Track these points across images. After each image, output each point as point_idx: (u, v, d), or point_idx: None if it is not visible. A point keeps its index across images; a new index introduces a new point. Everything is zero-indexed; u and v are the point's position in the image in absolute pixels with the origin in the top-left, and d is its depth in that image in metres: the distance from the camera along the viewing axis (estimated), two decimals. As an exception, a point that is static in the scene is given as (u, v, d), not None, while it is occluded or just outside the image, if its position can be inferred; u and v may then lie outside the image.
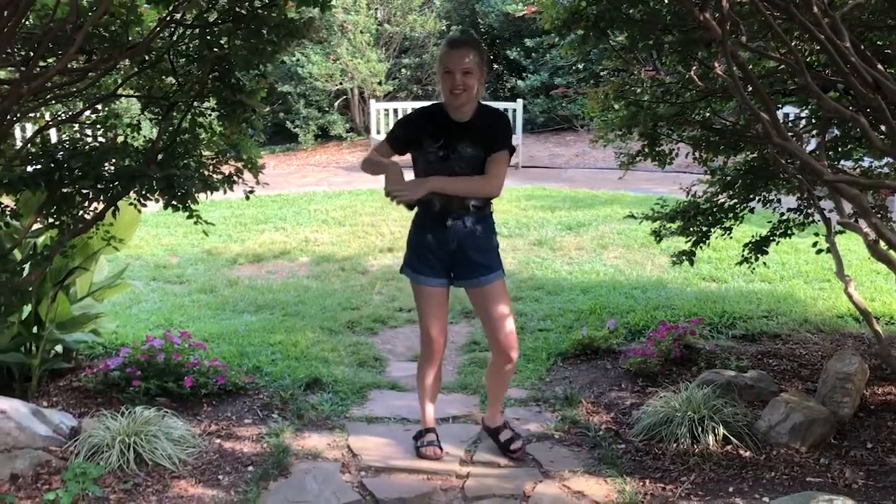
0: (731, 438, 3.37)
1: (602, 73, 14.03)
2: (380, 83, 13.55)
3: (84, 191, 3.24)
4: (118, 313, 5.52)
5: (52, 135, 5.46)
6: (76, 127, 4.26)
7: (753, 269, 4.64)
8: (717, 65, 3.67)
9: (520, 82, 13.98)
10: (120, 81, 3.82)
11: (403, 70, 14.35)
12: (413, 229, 3.41)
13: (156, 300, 5.89)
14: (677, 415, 3.44)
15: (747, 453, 3.33)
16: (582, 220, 8.06)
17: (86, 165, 2.95)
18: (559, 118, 13.84)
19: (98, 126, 3.95)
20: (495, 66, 15.24)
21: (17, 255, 4.10)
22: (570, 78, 13.77)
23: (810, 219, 4.50)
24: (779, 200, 4.54)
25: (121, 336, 4.95)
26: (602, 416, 3.80)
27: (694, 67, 3.87)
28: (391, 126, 3.12)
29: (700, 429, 3.37)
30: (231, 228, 8.05)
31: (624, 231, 7.55)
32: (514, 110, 11.53)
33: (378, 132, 11.95)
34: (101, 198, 3.22)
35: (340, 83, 13.49)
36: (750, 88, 3.21)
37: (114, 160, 3.52)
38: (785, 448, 3.34)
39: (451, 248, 3.28)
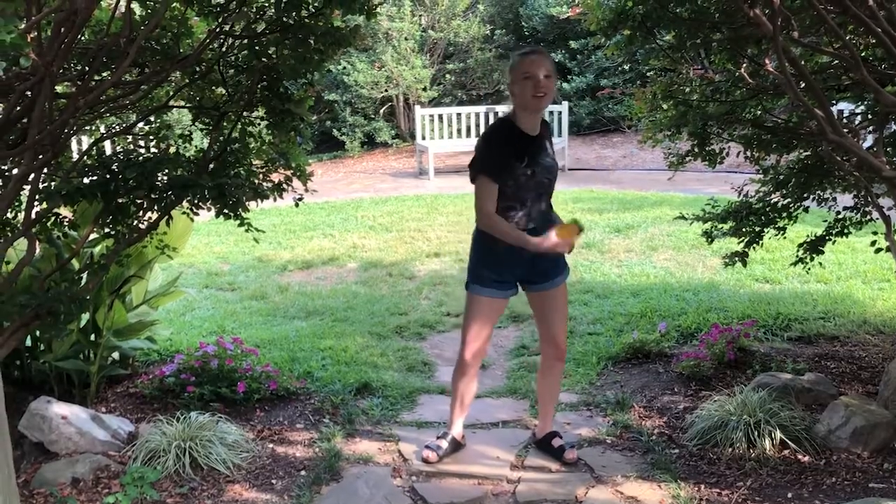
0: (789, 443, 3.29)
1: (648, 74, 13.87)
2: (424, 89, 13.61)
3: (138, 200, 3.31)
4: (172, 320, 5.62)
5: (107, 147, 5.60)
6: (130, 139, 4.36)
7: (808, 269, 4.53)
8: (767, 62, 3.60)
9: (565, 84, 13.89)
10: (171, 93, 3.91)
11: (448, 76, 14.39)
12: (483, 245, 3.33)
13: (209, 307, 5.99)
14: (732, 419, 3.37)
15: (806, 458, 3.25)
16: (630, 222, 7.97)
17: (140, 176, 3.02)
18: (605, 120, 13.73)
19: (151, 137, 4.05)
20: (540, 69, 15.17)
21: (75, 264, 4.22)
22: (616, 79, 13.64)
23: (868, 217, 4.39)
24: (834, 199, 4.43)
25: (175, 343, 5.05)
26: (655, 421, 3.75)
27: (744, 65, 3.80)
28: (488, 158, 3.07)
29: (756, 433, 3.30)
30: (280, 236, 8.15)
31: (674, 233, 7.45)
32: (560, 112, 11.46)
33: (423, 138, 11.98)
34: (155, 207, 3.28)
35: (386, 90, 13.59)
36: (803, 85, 3.15)
37: (167, 170, 3.61)
38: (846, 453, 3.25)
39: (529, 256, 3.26)
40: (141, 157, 3.47)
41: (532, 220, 3.27)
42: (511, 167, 3.19)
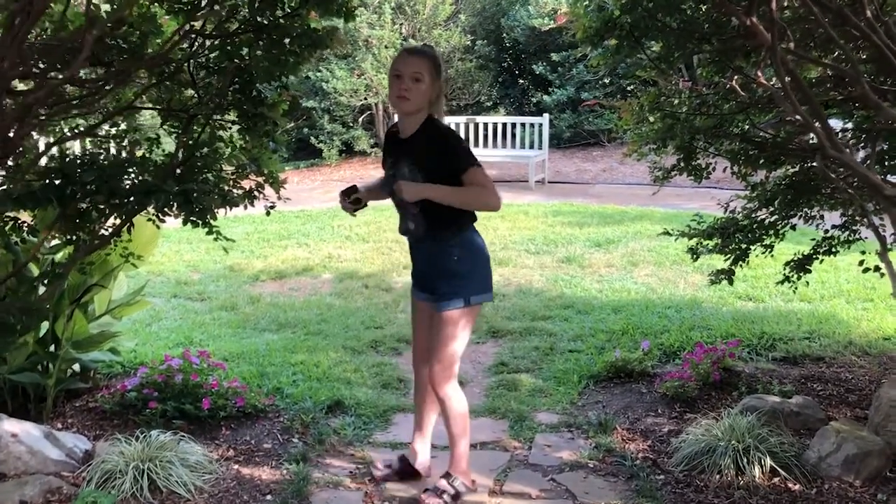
0: (779, 470, 3.16)
1: (629, 88, 13.85)
2: (404, 98, 13.47)
3: (100, 206, 3.12)
4: (138, 331, 5.41)
5: (78, 150, 5.39)
6: (95, 141, 4.17)
7: (795, 288, 4.43)
8: (759, 74, 3.48)
9: (546, 97, 13.82)
10: (138, 93, 3.73)
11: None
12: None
13: (176, 317, 5.78)
14: (720, 444, 3.24)
15: (796, 486, 3.11)
16: (611, 236, 7.86)
17: (98, 180, 2.83)
18: (586, 133, 13.66)
19: (118, 140, 3.86)
20: (520, 80, 15.10)
21: (34, 270, 4.01)
22: (597, 92, 13.59)
23: (857, 236, 4.30)
24: (821, 217, 4.34)
25: (140, 355, 4.84)
26: (639, 444, 3.61)
27: (735, 77, 3.70)
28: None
29: (745, 459, 3.17)
30: (254, 244, 7.94)
31: (655, 248, 7.34)
32: (541, 125, 11.37)
33: (402, 147, 11.85)
34: (117, 213, 3.09)
35: (365, 98, 13.43)
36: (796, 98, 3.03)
37: (132, 174, 3.42)
38: (837, 481, 3.12)
39: (419, 262, 3.20)
40: (103, 161, 3.29)
41: (405, 223, 3.15)
42: (385, 161, 3.25)
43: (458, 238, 3.05)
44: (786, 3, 3.20)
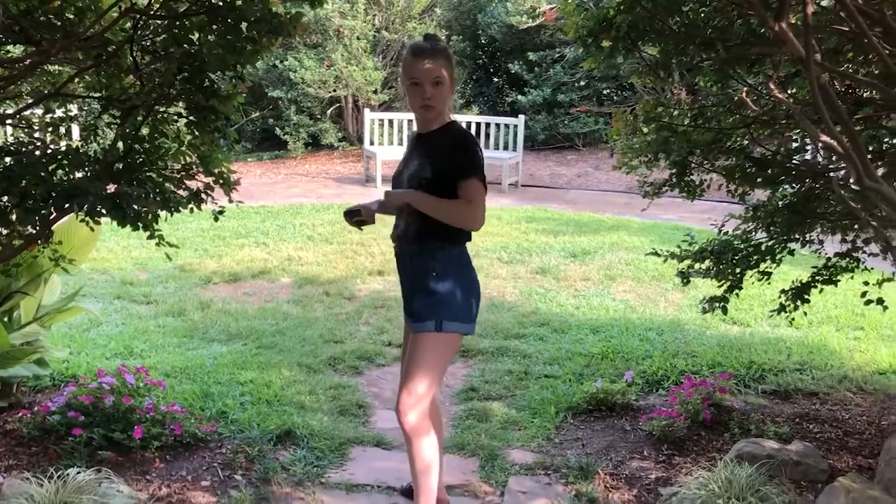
0: (783, 534, 2.81)
1: (605, 91, 13.54)
2: (375, 92, 13.00)
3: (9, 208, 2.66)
4: (74, 337, 4.92)
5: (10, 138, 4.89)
6: (28, 131, 3.69)
7: (792, 319, 4.11)
8: (772, 87, 3.13)
9: (521, 97, 13.45)
10: (71, 77, 3.27)
11: (400, 80, 13.82)
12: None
13: (118, 322, 5.29)
14: (718, 502, 2.87)
15: (803, 555, 2.77)
16: (587, 247, 7.51)
17: (3, 180, 2.37)
18: (560, 136, 13.33)
19: (52, 129, 3.40)
20: (495, 79, 14.72)
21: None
22: (573, 95, 13.26)
23: (855, 264, 3.98)
24: (821, 242, 4.02)
25: (73, 365, 4.38)
26: (623, 494, 3.24)
27: (745, 89, 3.35)
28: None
29: (746, 522, 2.81)
30: (208, 242, 7.43)
31: (632, 261, 7.01)
32: (516, 126, 10.99)
33: (371, 143, 11.38)
34: (29, 220, 2.63)
35: (334, 90, 12.93)
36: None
37: (58, 171, 2.97)
38: (848, 550, 2.78)
39: (403, 280, 2.89)
40: (17, 152, 2.83)
41: (398, 226, 2.90)
42: None
43: (444, 252, 2.75)
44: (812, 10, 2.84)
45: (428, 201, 2.70)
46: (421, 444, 2.75)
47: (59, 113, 3.52)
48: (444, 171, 2.70)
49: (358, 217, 2.94)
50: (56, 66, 3.61)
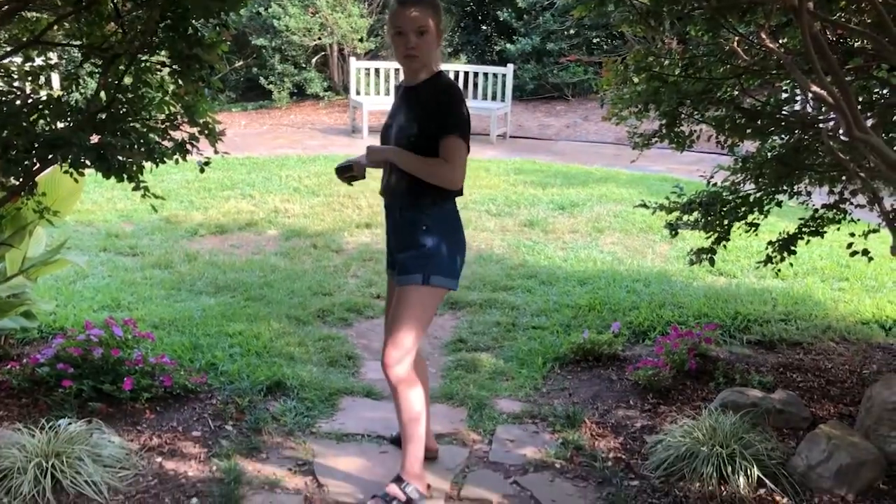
0: (765, 480, 2.87)
1: (595, 40, 13.39)
2: (361, 40, 12.79)
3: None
4: (60, 289, 4.90)
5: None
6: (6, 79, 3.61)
7: (778, 271, 4.14)
8: (764, 37, 3.10)
9: (509, 46, 13.28)
10: (50, 24, 3.20)
11: (386, 28, 13.58)
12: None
13: (104, 274, 5.27)
14: (702, 449, 2.93)
15: (784, 500, 2.83)
16: (575, 199, 7.50)
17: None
18: (549, 86, 13.20)
19: (31, 78, 3.32)
20: (483, 27, 14.50)
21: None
22: (563, 44, 13.10)
23: (842, 215, 4.00)
24: (808, 193, 4.03)
25: (60, 318, 4.36)
26: (610, 441, 3.29)
27: (736, 39, 3.31)
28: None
29: (729, 468, 2.86)
30: (193, 194, 7.37)
31: (620, 213, 7.01)
32: (504, 76, 10.86)
33: (358, 92, 11.24)
34: (13, 171, 2.59)
35: (319, 38, 12.72)
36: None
37: (40, 121, 2.92)
38: (828, 494, 2.84)
39: (389, 232, 2.91)
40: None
41: (386, 180, 2.86)
42: None
43: (435, 208, 2.74)
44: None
45: (406, 159, 2.68)
46: (408, 394, 2.77)
47: (38, 61, 3.44)
48: (428, 127, 2.67)
49: (350, 173, 2.92)
50: (34, 14, 3.52)
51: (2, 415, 3.34)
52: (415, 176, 2.69)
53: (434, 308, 2.81)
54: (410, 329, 2.73)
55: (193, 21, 3.01)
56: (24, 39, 3.38)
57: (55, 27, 3.28)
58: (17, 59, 3.46)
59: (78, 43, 3.32)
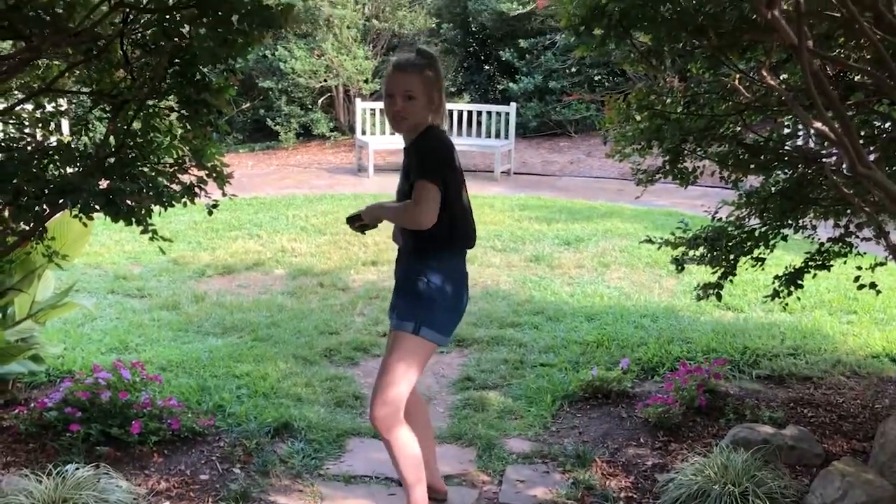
0: (779, 519, 2.84)
1: (597, 78, 13.52)
2: (366, 81, 12.95)
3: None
4: (68, 332, 4.91)
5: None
6: (17, 125, 3.66)
7: (786, 304, 4.12)
8: (765, 74, 3.13)
9: (512, 84, 13.42)
10: (62, 72, 3.25)
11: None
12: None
13: (112, 317, 5.28)
14: (714, 488, 2.90)
15: (799, 538, 2.80)
16: (580, 234, 7.52)
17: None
18: (552, 123, 13.31)
19: (42, 125, 3.37)
20: (486, 67, 14.67)
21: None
22: (565, 82, 13.23)
23: (848, 248, 4.00)
24: (814, 227, 4.03)
25: (68, 361, 4.36)
26: (621, 480, 3.26)
27: (737, 76, 3.35)
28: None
29: (742, 507, 2.83)
30: (201, 235, 7.41)
31: (626, 248, 7.02)
32: (507, 114, 10.97)
33: (363, 132, 11.34)
34: (24, 217, 2.61)
35: (325, 80, 12.88)
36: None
37: (49, 166, 2.96)
38: (843, 533, 2.80)
39: (397, 273, 2.99)
40: (2, 156, 2.81)
41: (396, 229, 3.00)
42: None
43: (436, 261, 2.78)
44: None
45: (384, 213, 2.84)
46: (399, 442, 2.76)
47: (49, 108, 3.50)
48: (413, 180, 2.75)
49: (361, 222, 2.97)
50: (46, 61, 3.59)
51: (9, 461, 3.33)
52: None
53: (423, 360, 2.80)
54: (398, 382, 2.74)
55: (201, 67, 3.07)
56: (36, 87, 3.44)
57: (66, 74, 3.34)
58: (28, 106, 3.52)
59: (88, 90, 3.38)
